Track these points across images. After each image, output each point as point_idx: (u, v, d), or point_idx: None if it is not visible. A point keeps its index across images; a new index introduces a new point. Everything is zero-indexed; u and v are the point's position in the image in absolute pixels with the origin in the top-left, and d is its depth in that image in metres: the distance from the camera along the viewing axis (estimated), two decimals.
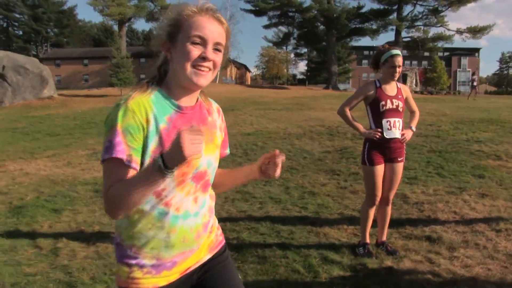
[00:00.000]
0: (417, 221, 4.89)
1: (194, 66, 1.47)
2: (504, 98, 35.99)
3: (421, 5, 41.46)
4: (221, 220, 5.02)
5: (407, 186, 6.36)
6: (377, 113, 3.88)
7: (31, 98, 24.33)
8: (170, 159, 1.30)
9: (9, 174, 7.95)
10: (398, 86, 3.98)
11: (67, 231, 4.91)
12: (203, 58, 1.47)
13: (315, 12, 40.29)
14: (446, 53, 77.13)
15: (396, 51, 3.83)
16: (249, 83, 70.63)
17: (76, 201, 6.12)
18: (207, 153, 1.60)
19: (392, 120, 3.85)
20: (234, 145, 10.26)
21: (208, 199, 1.69)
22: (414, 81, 49.94)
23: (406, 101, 4.04)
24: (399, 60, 3.82)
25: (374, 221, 4.22)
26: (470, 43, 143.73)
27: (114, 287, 3.49)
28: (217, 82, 49.08)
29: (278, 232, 4.64)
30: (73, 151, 10.37)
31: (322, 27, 43.87)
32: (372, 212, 4.05)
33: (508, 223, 4.69)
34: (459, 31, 41.07)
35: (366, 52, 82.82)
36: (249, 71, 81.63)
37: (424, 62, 70.20)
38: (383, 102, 3.85)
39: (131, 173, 1.43)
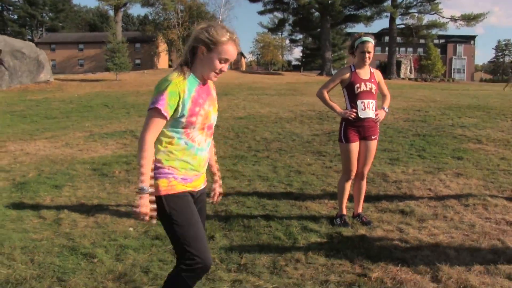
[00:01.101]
0: (394, 197, 5.26)
1: (214, 72, 2.35)
2: (497, 85, 36.37)
3: None
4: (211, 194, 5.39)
5: (389, 166, 6.73)
6: (353, 95, 4.24)
7: (28, 82, 24.56)
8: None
9: (11, 154, 8.29)
10: (372, 70, 4.34)
11: (68, 204, 5.26)
12: (221, 70, 2.37)
13: None
14: (441, 41, 77.29)
15: (367, 38, 4.19)
16: (244, 69, 70.68)
17: (75, 178, 6.46)
18: (214, 112, 2.48)
19: (366, 101, 4.21)
20: (226, 128, 10.61)
21: (211, 141, 2.54)
22: (409, 68, 50.24)
23: (378, 85, 4.39)
24: (369, 46, 4.17)
25: (352, 195, 4.61)
26: (466, 30, 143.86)
27: (112, 251, 3.85)
28: None
29: (264, 206, 5.01)
30: (71, 133, 10.68)
31: (317, 13, 43.96)
32: (348, 186, 4.43)
33: (476, 199, 5.07)
34: (453, 19, 41.28)
35: None
36: (244, 57, 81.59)
37: (419, 49, 70.33)
38: (357, 85, 4.21)
39: (163, 120, 2.25)
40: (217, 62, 2.30)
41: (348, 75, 4.28)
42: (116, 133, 10.22)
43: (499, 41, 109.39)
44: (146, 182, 2.18)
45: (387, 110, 4.43)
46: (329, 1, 39.93)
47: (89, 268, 3.52)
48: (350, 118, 4.22)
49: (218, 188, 2.73)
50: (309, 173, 6.50)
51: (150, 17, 53.32)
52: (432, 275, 3.28)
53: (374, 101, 4.29)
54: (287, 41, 67.41)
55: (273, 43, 66.80)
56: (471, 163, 6.81)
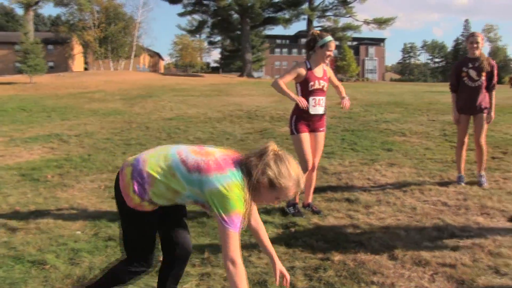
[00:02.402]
0: (337, 187, 5.47)
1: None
2: (407, 84, 38.65)
3: None
4: None
5: (326, 160, 6.96)
6: (306, 92, 4.36)
7: None
8: None
9: None
10: (324, 68, 4.48)
11: (0, 212, 4.92)
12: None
13: (230, 0, 40.61)
14: (354, 43, 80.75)
15: (331, 38, 4.41)
16: (162, 71, 69.66)
17: (3, 185, 6.04)
18: None
19: (317, 98, 4.36)
20: (157, 129, 10.45)
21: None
22: None
23: (330, 80, 4.55)
24: (333, 46, 4.39)
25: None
26: (376, 33, 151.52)
27: (64, 255, 3.67)
28: (130, 70, 48.08)
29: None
30: None
31: (236, 16, 44.29)
32: (305, 177, 4.53)
33: (412, 185, 5.41)
34: (366, 22, 43.38)
35: (278, 41, 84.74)
36: (163, 59, 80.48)
37: (335, 51, 73.00)
38: (312, 83, 4.35)
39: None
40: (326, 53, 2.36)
41: (304, 72, 4.39)
42: (40, 137, 9.70)
43: (405, 44, 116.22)
44: None
45: (347, 97, 4.63)
46: (249, 4, 40.42)
47: (42, 276, 3.30)
48: (301, 106, 4.30)
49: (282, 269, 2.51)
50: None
51: (63, 18, 50.82)
52: (388, 254, 3.47)
53: (324, 98, 4.46)
54: (206, 44, 67.31)
55: (191, 45, 66.43)
56: (400, 154, 7.22)
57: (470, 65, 5.34)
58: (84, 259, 3.56)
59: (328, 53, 4.33)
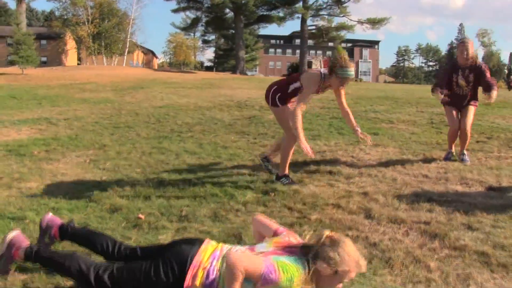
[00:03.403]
0: (320, 162, 5.50)
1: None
2: (401, 85, 38.80)
3: None
4: (141, 167, 5.32)
5: (311, 141, 6.97)
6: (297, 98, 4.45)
7: None
8: None
9: None
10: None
11: None
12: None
13: None
14: (349, 45, 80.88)
15: (353, 74, 4.34)
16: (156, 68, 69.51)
17: None
18: None
19: None
20: (146, 115, 10.44)
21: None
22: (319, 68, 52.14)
23: (339, 102, 4.82)
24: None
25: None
26: (370, 36, 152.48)
27: (44, 213, 3.68)
28: (123, 65, 47.94)
29: (195, 172, 5.03)
30: None
31: (230, 13, 44.33)
32: (292, 148, 4.60)
33: (395, 161, 5.46)
34: (360, 22, 43.51)
35: (273, 41, 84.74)
36: (156, 57, 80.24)
37: (329, 52, 73.15)
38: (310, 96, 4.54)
39: None
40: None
41: (314, 89, 4.40)
42: (29, 120, 9.67)
43: (399, 47, 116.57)
44: None
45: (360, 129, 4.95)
46: (243, 1, 40.44)
47: (20, 227, 3.34)
48: (305, 154, 4.16)
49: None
50: (235, 147, 6.58)
51: (57, 13, 50.50)
52: (365, 214, 3.52)
53: None
54: (200, 42, 67.22)
55: (185, 43, 66.31)
56: (386, 137, 7.27)
57: (460, 73, 5.30)
58: (64, 215, 3.59)
59: (342, 85, 4.34)
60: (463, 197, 3.98)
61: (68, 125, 8.97)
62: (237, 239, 3.05)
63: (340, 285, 2.14)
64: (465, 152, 5.51)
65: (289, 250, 2.14)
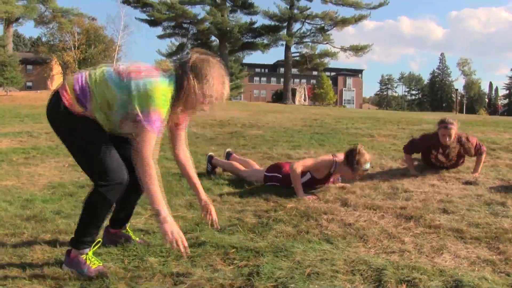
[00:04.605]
0: None
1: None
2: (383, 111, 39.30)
3: (309, 23, 44.02)
4: None
5: (292, 150, 7.01)
6: (309, 184, 4.08)
7: None
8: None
9: None
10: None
11: None
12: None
13: (209, 24, 41.10)
14: (333, 73, 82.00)
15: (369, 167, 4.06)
16: None
17: None
18: None
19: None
20: None
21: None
22: (303, 96, 52.58)
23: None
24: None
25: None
26: (354, 65, 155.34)
27: (17, 204, 3.62)
28: None
29: (174, 174, 4.99)
30: None
31: (216, 40, 44.80)
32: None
33: (373, 165, 5.48)
34: (343, 49, 44.18)
35: (257, 70, 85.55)
36: None
37: (313, 81, 74.00)
38: (321, 185, 4.15)
39: None
40: None
41: (326, 172, 4.06)
42: (10, 133, 9.57)
43: (382, 76, 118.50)
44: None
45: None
46: (228, 28, 40.93)
47: None
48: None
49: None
50: (216, 156, 6.56)
51: (43, 39, 50.53)
52: (341, 203, 3.52)
53: None
54: None
55: None
56: (366, 147, 7.30)
57: (441, 151, 4.82)
58: (37, 206, 3.53)
59: (356, 176, 3.94)
60: (440, 189, 4.01)
61: (49, 138, 8.88)
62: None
63: (206, 106, 2.29)
64: None
65: (165, 69, 2.32)
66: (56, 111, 2.25)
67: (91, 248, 2.32)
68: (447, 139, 4.64)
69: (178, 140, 2.58)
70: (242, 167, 4.69)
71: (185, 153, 2.59)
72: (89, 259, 2.27)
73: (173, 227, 2.08)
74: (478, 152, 4.77)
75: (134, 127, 2.17)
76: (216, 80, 2.23)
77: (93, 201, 2.29)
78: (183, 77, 2.19)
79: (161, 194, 2.13)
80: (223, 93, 2.28)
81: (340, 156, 4.01)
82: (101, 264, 2.30)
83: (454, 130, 4.66)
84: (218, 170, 5.06)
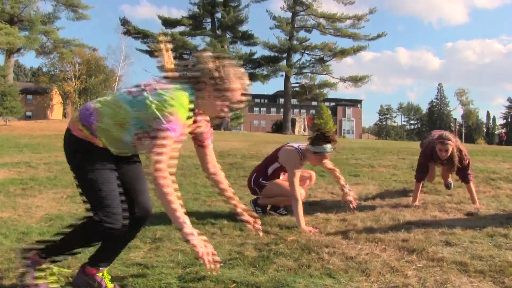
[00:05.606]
0: None
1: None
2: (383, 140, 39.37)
3: (308, 54, 44.65)
4: None
5: None
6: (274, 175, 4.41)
7: None
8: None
9: None
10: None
11: None
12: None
13: None
14: (332, 103, 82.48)
15: (333, 150, 4.08)
16: None
17: None
18: None
19: None
20: None
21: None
22: (303, 126, 52.83)
23: (324, 165, 4.38)
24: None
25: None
26: (353, 95, 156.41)
27: (12, 236, 3.57)
28: None
29: None
30: None
31: None
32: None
33: (374, 196, 5.50)
34: (343, 79, 44.65)
35: (257, 100, 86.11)
36: None
37: (312, 111, 74.38)
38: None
39: None
40: None
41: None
42: (8, 164, 9.54)
43: (381, 106, 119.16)
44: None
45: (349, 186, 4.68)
46: None
47: None
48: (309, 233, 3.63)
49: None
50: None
51: (44, 69, 51.07)
52: (343, 235, 3.47)
53: None
54: None
55: None
56: (367, 177, 7.30)
57: (439, 162, 5.03)
58: (33, 239, 3.47)
59: (322, 159, 4.06)
60: (442, 221, 3.96)
61: (47, 168, 8.85)
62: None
63: (227, 110, 2.23)
64: (450, 180, 5.64)
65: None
66: (64, 140, 2.28)
67: (48, 264, 2.32)
68: (444, 154, 4.71)
69: (206, 158, 2.60)
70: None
71: (214, 165, 2.58)
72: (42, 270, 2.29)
73: (201, 241, 2.03)
74: (465, 180, 4.87)
75: (149, 145, 2.07)
76: (234, 82, 2.17)
77: (87, 228, 2.22)
78: (199, 83, 2.16)
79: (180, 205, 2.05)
80: (243, 97, 2.25)
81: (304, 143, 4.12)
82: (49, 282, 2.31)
83: (451, 146, 4.70)
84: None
